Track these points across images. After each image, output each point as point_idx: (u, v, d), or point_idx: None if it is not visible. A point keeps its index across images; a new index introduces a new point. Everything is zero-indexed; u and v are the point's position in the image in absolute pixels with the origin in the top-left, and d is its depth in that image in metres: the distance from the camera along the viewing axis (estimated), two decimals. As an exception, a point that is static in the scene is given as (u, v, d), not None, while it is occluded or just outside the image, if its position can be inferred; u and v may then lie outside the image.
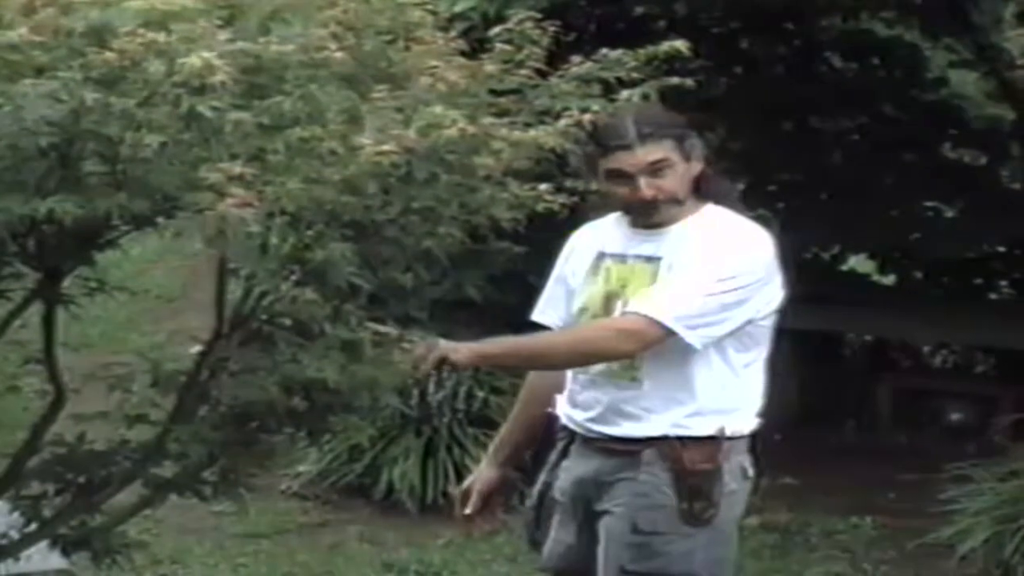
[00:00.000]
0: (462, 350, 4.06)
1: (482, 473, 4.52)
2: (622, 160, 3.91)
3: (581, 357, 4.39)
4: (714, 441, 4.12)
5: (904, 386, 8.19)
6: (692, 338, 4.08)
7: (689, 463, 4.10)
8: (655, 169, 3.95)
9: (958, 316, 8.08)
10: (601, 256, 4.16)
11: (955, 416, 7.80)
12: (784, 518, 6.74)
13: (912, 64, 8.37)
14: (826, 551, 6.68)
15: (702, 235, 4.07)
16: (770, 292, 4.17)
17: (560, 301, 4.30)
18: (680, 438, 4.09)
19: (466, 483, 4.58)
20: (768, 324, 4.30)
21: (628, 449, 4.12)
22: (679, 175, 4.02)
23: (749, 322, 4.15)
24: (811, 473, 6.90)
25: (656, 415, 4.10)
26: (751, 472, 4.30)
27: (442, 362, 4.03)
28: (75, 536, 3.68)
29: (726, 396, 4.21)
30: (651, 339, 4.16)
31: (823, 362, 7.75)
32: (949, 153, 8.52)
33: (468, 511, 4.46)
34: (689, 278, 4.04)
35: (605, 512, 4.13)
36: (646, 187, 3.94)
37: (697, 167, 4.05)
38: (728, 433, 4.17)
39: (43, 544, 3.68)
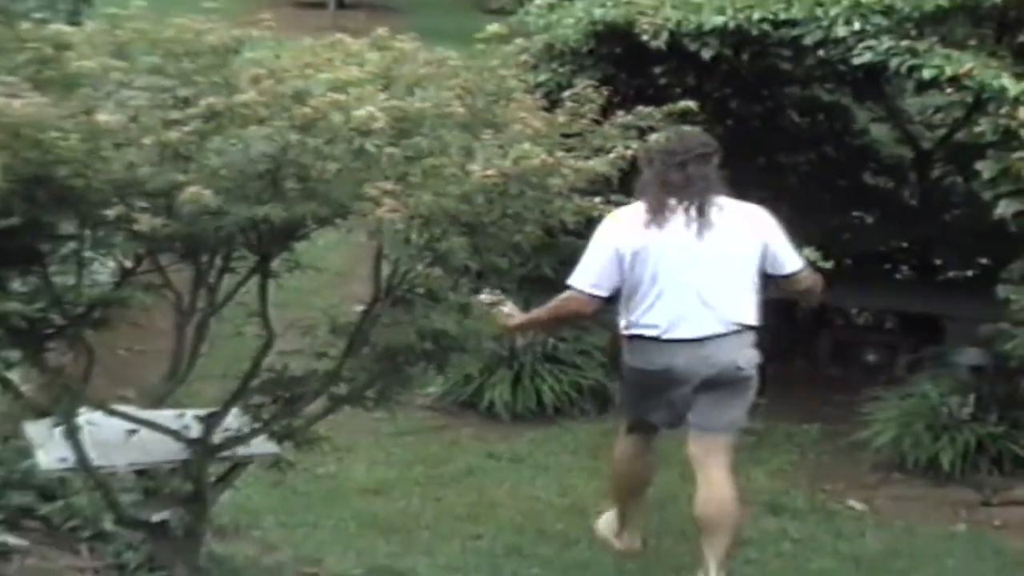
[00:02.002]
0: (512, 321, 4.79)
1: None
2: None
3: (563, 323, 5.59)
4: (620, 335, 4.95)
5: (838, 337, 8.10)
6: (592, 292, 4.80)
7: (615, 342, 5.12)
8: None
9: (874, 290, 7.99)
10: None
11: (871, 357, 7.72)
12: (759, 425, 6.68)
13: (845, 119, 8.30)
14: (786, 447, 6.66)
15: None
16: (618, 254, 4.76)
17: None
18: (614, 331, 5.06)
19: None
20: (635, 276, 4.80)
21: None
22: None
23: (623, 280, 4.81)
24: (776, 395, 6.80)
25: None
26: (636, 357, 4.93)
27: (506, 328, 4.67)
28: (283, 431, 3.71)
29: (627, 314, 4.88)
30: (581, 301, 4.87)
31: (783, 320, 7.65)
32: (869, 180, 8.41)
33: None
34: None
35: None
36: None
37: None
38: (623, 332, 4.93)
39: (263, 437, 3.70)
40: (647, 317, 4.86)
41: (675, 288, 4.81)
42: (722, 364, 4.84)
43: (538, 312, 4.97)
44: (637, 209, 4.71)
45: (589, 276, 4.81)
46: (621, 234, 4.75)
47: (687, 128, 4.06)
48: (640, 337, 4.87)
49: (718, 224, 4.84)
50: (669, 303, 4.81)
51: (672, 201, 4.79)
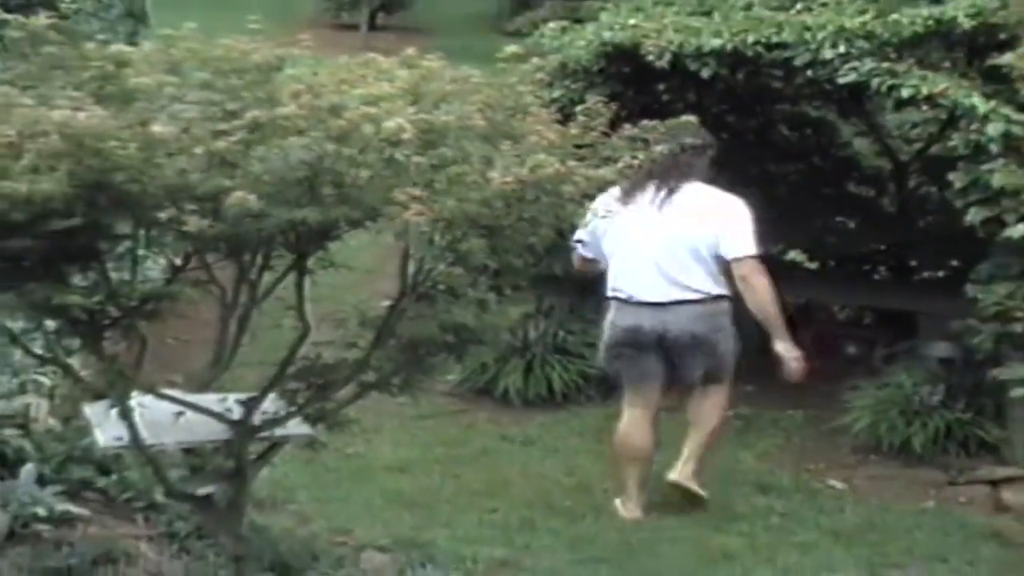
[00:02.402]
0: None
1: None
2: None
3: (584, 271, 5.53)
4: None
5: (821, 331, 8.03)
6: (582, 251, 5.33)
7: None
8: None
9: (854, 288, 7.95)
10: None
11: (851, 350, 7.65)
12: (747, 411, 6.68)
13: (830, 133, 8.25)
14: (772, 431, 6.61)
15: None
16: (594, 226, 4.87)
17: None
18: None
19: None
20: (607, 241, 5.20)
21: None
22: None
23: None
24: (763, 384, 6.79)
25: None
26: (611, 318, 5.27)
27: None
28: (316, 414, 3.68)
29: (608, 279, 5.24)
30: (577, 257, 5.40)
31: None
32: (852, 189, 8.36)
33: None
34: None
35: None
36: None
37: None
38: (606, 295, 5.27)
39: (298, 419, 3.69)
40: (617, 282, 5.22)
41: (638, 257, 5.15)
42: (680, 328, 5.14)
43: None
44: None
45: (583, 238, 5.22)
46: (600, 208, 4.85)
47: (689, 123, 4.16)
48: (614, 299, 5.24)
49: (684, 204, 5.14)
50: (634, 270, 5.17)
51: (649, 183, 5.10)
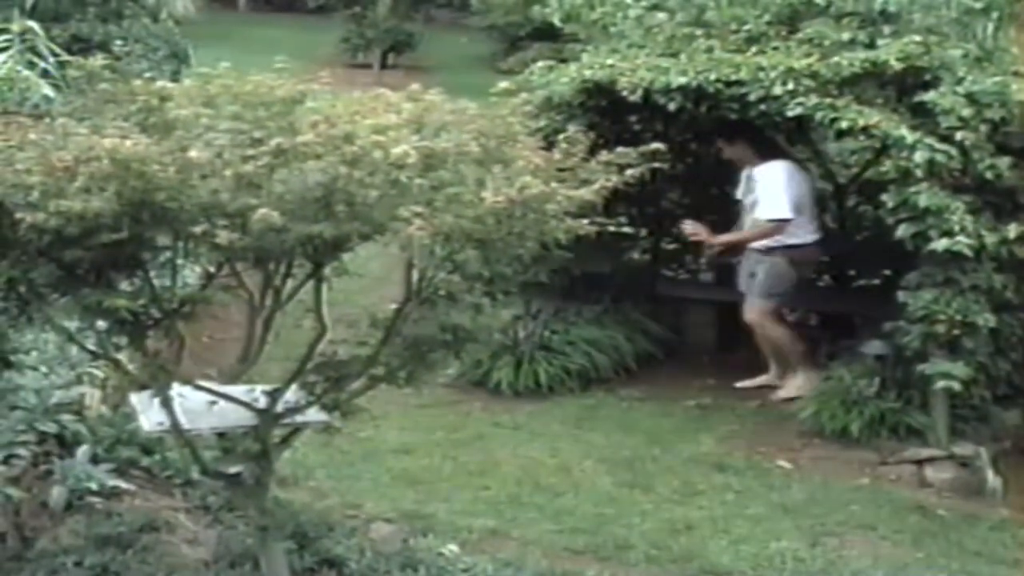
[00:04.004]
0: (712, 240, 6.78)
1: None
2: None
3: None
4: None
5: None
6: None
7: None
8: None
9: (801, 294, 7.88)
10: None
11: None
12: (708, 401, 6.65)
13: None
14: (729, 418, 6.50)
15: None
16: None
17: None
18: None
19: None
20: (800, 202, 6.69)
21: None
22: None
23: None
24: (724, 376, 6.80)
25: None
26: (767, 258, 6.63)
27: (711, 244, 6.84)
28: (332, 403, 3.67)
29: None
30: (786, 219, 6.66)
31: (730, 318, 7.61)
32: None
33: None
34: None
35: None
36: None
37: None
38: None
39: (316, 407, 3.68)
40: (797, 231, 6.58)
41: (809, 212, 6.76)
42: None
43: (738, 235, 6.76)
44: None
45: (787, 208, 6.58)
46: (793, 181, 6.69)
47: None
48: (793, 247, 6.62)
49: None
50: (807, 221, 6.75)
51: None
